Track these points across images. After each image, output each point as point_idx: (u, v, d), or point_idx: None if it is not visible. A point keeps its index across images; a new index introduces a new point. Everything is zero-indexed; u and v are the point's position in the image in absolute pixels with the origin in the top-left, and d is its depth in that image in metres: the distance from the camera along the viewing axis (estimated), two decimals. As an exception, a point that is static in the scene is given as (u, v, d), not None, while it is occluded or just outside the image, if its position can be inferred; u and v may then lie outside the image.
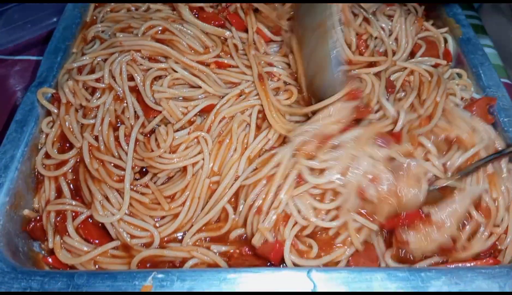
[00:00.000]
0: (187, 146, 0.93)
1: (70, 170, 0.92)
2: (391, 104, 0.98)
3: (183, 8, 1.15)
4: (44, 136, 0.95)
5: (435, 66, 1.15)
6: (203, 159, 0.91)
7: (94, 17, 1.21)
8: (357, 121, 0.94)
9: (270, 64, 1.09)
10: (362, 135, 0.89)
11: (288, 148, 0.88)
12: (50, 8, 1.31)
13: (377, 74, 1.07)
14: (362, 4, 1.23)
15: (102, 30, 1.14)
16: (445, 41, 1.22)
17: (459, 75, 1.14)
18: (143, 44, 1.04)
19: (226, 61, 1.07)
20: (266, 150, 0.93)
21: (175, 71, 1.02)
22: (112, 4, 1.22)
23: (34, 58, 1.29)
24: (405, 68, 1.10)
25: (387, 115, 0.98)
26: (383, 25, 1.20)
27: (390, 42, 1.17)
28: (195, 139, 0.94)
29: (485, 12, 1.60)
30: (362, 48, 1.13)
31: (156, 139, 0.92)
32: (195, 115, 0.98)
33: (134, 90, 1.02)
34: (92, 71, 1.03)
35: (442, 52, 1.19)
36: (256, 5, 1.18)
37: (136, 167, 0.92)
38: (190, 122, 0.97)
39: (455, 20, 1.21)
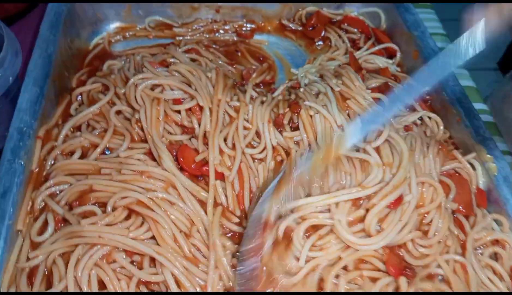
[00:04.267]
0: None
1: None
2: None
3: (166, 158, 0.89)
4: None
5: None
6: None
7: (44, 161, 0.91)
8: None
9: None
10: None
11: None
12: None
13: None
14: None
15: (55, 194, 0.86)
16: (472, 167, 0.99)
17: (498, 223, 0.93)
18: (118, 241, 0.79)
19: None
20: None
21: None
22: (62, 144, 0.93)
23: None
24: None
25: None
26: None
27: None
28: None
29: (495, 102, 1.40)
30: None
31: None
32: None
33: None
34: (48, 276, 0.78)
35: (475, 193, 0.96)
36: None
37: None
38: None
39: (493, 157, 0.98)
